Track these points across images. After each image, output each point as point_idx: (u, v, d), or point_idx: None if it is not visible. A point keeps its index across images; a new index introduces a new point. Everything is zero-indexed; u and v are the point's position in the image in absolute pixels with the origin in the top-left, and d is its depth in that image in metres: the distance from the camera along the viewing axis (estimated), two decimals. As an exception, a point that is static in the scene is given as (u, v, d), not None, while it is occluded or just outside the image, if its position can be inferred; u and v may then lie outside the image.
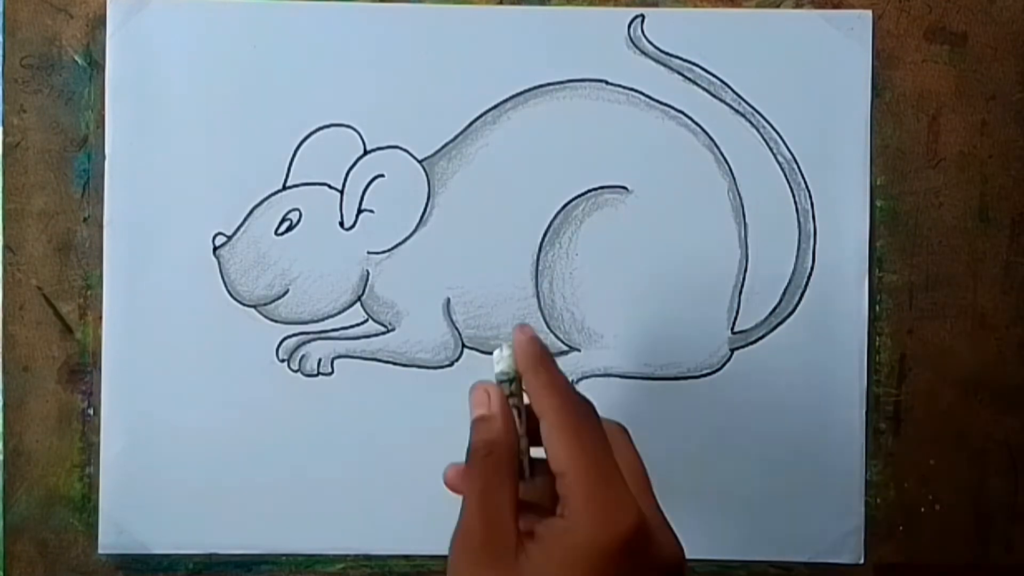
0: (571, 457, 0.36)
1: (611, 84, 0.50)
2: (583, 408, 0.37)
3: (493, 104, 0.50)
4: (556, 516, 0.36)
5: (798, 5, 0.50)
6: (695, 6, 0.50)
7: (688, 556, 0.50)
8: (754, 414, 0.49)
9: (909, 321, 0.50)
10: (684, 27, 0.50)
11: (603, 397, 0.49)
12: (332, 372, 0.49)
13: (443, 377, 0.49)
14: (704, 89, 0.50)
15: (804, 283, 0.50)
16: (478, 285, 0.49)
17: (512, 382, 0.37)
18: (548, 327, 0.49)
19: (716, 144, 0.50)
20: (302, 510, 0.49)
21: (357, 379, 0.49)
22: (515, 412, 0.37)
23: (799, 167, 0.50)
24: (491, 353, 0.49)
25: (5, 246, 0.49)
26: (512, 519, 0.36)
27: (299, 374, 0.49)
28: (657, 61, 0.50)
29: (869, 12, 0.50)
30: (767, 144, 0.50)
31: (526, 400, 0.38)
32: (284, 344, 0.49)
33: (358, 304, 0.50)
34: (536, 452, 0.38)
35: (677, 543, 0.38)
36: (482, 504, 0.36)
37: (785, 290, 0.50)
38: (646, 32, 0.50)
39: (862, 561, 0.49)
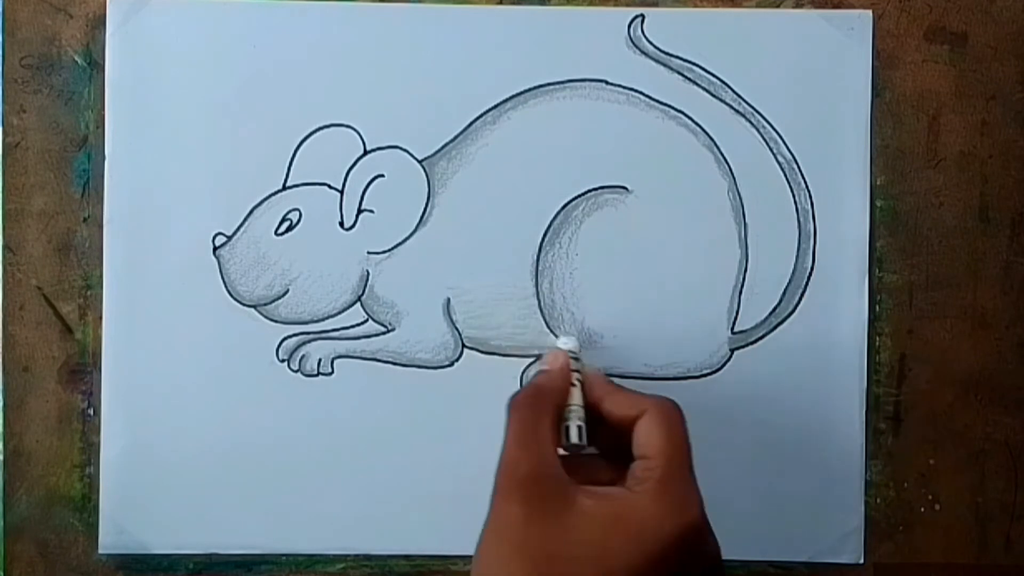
0: (662, 444, 0.39)
1: (611, 84, 0.50)
2: (674, 405, 0.40)
3: (493, 104, 0.50)
4: (625, 488, 0.38)
5: (798, 5, 0.50)
6: (695, 6, 0.50)
7: (688, 556, 0.50)
8: (754, 414, 0.49)
9: (909, 321, 0.50)
10: (684, 27, 0.50)
11: (603, 397, 0.49)
12: (332, 372, 0.49)
13: (443, 377, 0.49)
14: (704, 89, 0.50)
15: (804, 283, 0.50)
16: (478, 285, 0.49)
17: (578, 359, 0.43)
18: (548, 327, 0.49)
19: (716, 144, 0.50)
20: (302, 510, 0.49)
21: (357, 379, 0.49)
22: (578, 383, 0.42)
23: (799, 167, 0.50)
24: (491, 354, 0.49)
25: (5, 246, 0.49)
26: (557, 464, 0.38)
27: (299, 374, 0.49)
28: (657, 61, 0.50)
29: (869, 12, 0.50)
30: (767, 144, 0.50)
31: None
32: (284, 344, 0.49)
33: (358, 304, 0.50)
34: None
35: (718, 545, 0.39)
36: (525, 437, 0.39)
37: (785, 290, 0.50)
38: (646, 32, 0.50)
39: (862, 561, 0.50)
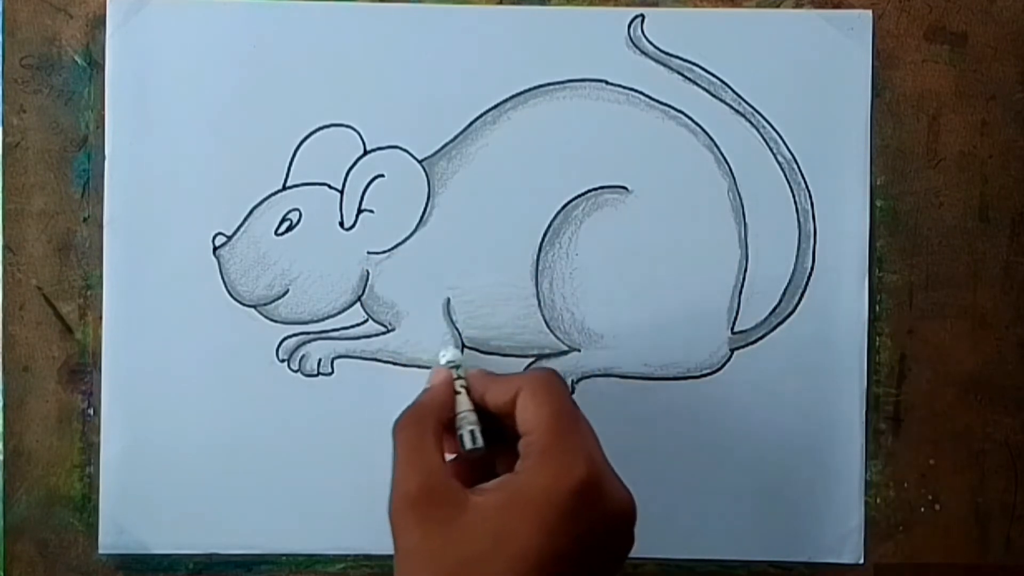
0: (537, 416, 0.39)
1: (611, 84, 0.50)
2: (548, 375, 0.41)
3: (493, 104, 0.50)
4: (514, 472, 0.39)
5: (798, 5, 0.50)
6: (695, 6, 0.50)
7: (688, 556, 0.50)
8: (754, 414, 0.49)
9: (909, 321, 0.50)
10: (684, 27, 0.50)
11: (603, 397, 0.49)
12: (332, 372, 0.49)
13: (443, 377, 0.49)
14: (704, 89, 0.50)
15: (804, 283, 0.50)
16: (478, 285, 0.49)
17: (459, 368, 0.44)
18: (548, 327, 0.49)
19: (716, 144, 0.50)
20: (302, 510, 0.49)
21: (357, 379, 0.49)
22: (463, 390, 0.43)
23: (799, 167, 0.50)
24: (491, 354, 0.50)
25: (5, 246, 0.49)
26: (446, 473, 0.39)
27: (299, 374, 0.49)
28: (657, 61, 0.50)
29: (869, 12, 0.50)
30: (767, 144, 0.50)
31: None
32: (284, 344, 0.49)
33: (358, 304, 0.50)
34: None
35: (627, 494, 0.40)
36: (410, 457, 0.39)
37: (785, 290, 0.50)
38: (646, 32, 0.50)
39: (862, 561, 0.50)
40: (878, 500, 0.50)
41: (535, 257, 0.49)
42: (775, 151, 0.50)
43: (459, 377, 0.44)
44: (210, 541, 0.49)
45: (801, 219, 0.50)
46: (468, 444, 0.41)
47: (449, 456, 0.41)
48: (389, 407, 0.49)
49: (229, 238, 0.49)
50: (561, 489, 0.37)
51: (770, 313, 0.50)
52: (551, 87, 0.50)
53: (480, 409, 0.42)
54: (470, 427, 0.42)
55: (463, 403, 0.42)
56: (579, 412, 0.41)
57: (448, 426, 0.42)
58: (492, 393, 0.42)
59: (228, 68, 0.49)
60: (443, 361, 0.46)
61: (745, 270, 0.50)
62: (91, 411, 0.49)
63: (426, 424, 0.41)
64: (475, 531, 0.37)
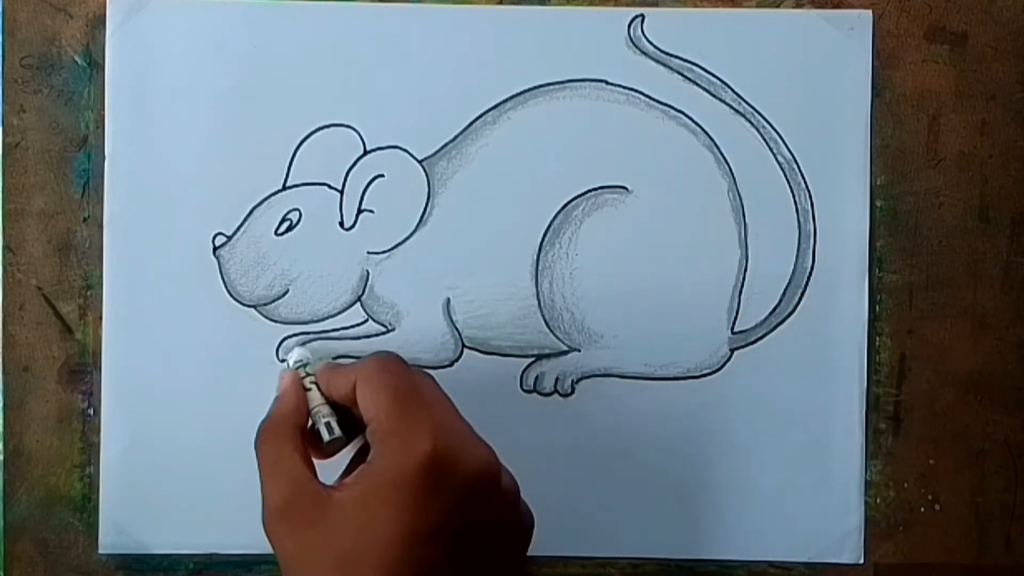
0: (375, 402, 0.39)
1: (611, 84, 0.50)
2: (381, 360, 0.41)
3: (493, 104, 0.50)
4: (364, 463, 0.39)
5: (798, 5, 0.50)
6: (695, 6, 0.50)
7: (688, 556, 0.50)
8: (754, 414, 0.49)
9: (909, 321, 0.50)
10: (684, 27, 0.50)
11: (603, 397, 0.49)
12: (332, 372, 0.49)
13: (443, 377, 0.49)
14: (704, 89, 0.50)
15: (804, 283, 0.50)
16: (478, 285, 0.49)
17: (306, 366, 0.44)
18: (548, 327, 0.49)
19: (716, 144, 0.50)
20: (302, 510, 0.49)
21: (357, 379, 0.49)
22: (312, 386, 0.43)
23: (799, 167, 0.50)
24: (491, 354, 0.49)
25: (5, 246, 0.49)
26: (308, 478, 0.39)
27: (299, 374, 0.49)
28: (657, 61, 0.50)
29: (869, 12, 0.50)
30: (767, 144, 0.50)
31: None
32: (284, 344, 0.49)
33: (358, 304, 0.49)
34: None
35: (485, 452, 0.39)
36: (273, 471, 0.40)
37: (785, 290, 0.50)
38: (646, 32, 0.50)
39: (862, 561, 0.50)
40: (878, 500, 0.50)
41: (535, 257, 0.49)
42: (775, 151, 0.50)
43: (307, 375, 0.44)
44: (210, 541, 0.49)
45: (801, 219, 0.50)
46: (326, 436, 0.42)
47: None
48: (389, 407, 0.49)
49: (229, 238, 0.49)
50: (407, 469, 0.37)
51: (770, 313, 0.50)
52: (551, 87, 0.50)
53: (336, 404, 0.42)
54: (324, 419, 0.42)
55: (315, 399, 0.43)
56: (422, 386, 0.41)
57: (310, 427, 0.42)
58: (335, 386, 0.42)
59: (228, 68, 0.49)
60: (291, 363, 0.45)
61: (745, 270, 0.50)
62: (91, 411, 0.49)
63: (281, 433, 0.41)
64: (341, 528, 0.37)
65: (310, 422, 0.43)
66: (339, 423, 0.42)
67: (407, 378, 0.41)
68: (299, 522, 0.38)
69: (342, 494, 0.38)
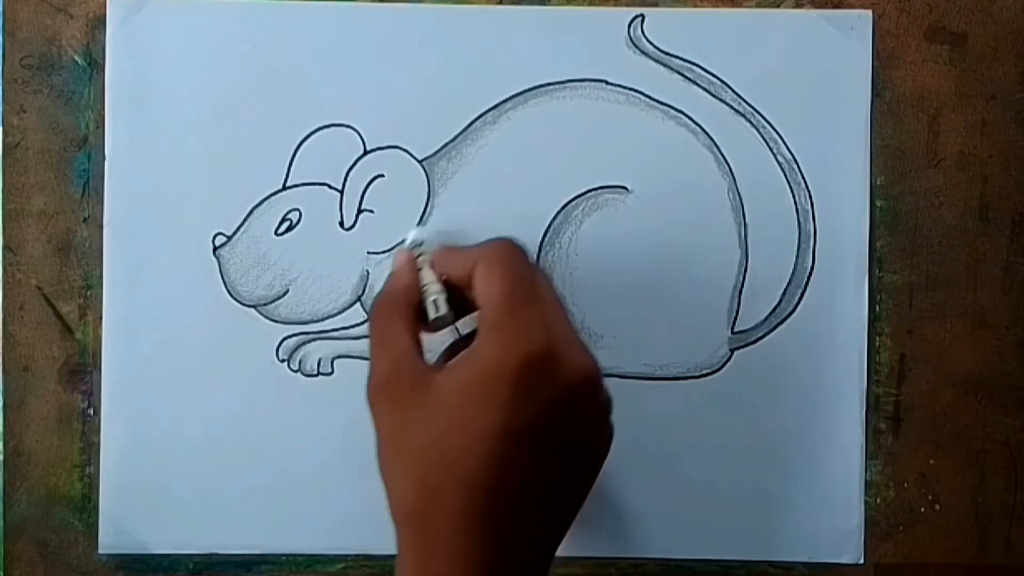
0: (490, 289, 0.39)
1: (611, 84, 0.50)
2: (504, 246, 0.40)
3: (493, 104, 0.50)
4: (468, 349, 0.38)
5: (798, 5, 0.50)
6: (695, 6, 0.50)
7: (688, 556, 0.50)
8: (754, 414, 0.49)
9: (909, 321, 0.50)
10: (684, 27, 0.50)
11: (603, 397, 0.49)
12: (332, 372, 0.49)
13: (443, 377, 0.49)
14: (704, 89, 0.50)
15: (804, 283, 0.50)
16: (478, 285, 0.49)
17: (421, 245, 0.45)
18: (548, 327, 0.49)
19: (716, 144, 0.50)
20: (302, 510, 0.49)
21: (357, 379, 0.49)
22: (425, 265, 0.43)
23: (799, 167, 0.50)
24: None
25: (5, 246, 0.49)
26: (413, 356, 0.39)
27: (299, 374, 0.49)
28: (657, 61, 0.50)
29: (869, 12, 0.50)
30: (767, 144, 0.50)
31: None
32: (284, 344, 0.49)
33: (358, 304, 0.50)
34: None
35: (588, 359, 0.39)
36: (380, 344, 0.40)
37: (785, 290, 0.50)
38: (646, 32, 0.50)
39: (862, 561, 0.50)
40: (878, 500, 0.50)
41: (535, 257, 0.49)
42: (775, 151, 0.50)
43: (421, 255, 0.43)
44: (210, 541, 0.49)
45: (801, 219, 0.50)
46: (432, 313, 0.41)
47: (439, 335, 0.42)
48: (389, 407, 0.49)
49: (229, 238, 0.49)
50: (510, 363, 0.37)
51: (770, 313, 0.50)
52: (551, 87, 0.50)
53: (450, 285, 0.42)
54: (433, 297, 0.42)
55: (426, 277, 0.42)
56: (537, 280, 0.40)
57: (415, 307, 0.42)
58: (453, 267, 0.41)
59: (228, 68, 0.49)
60: (408, 243, 0.47)
61: (745, 270, 0.50)
62: (91, 411, 0.49)
63: (392, 309, 0.41)
64: (437, 411, 0.37)
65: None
66: (448, 302, 0.42)
67: (528, 270, 0.40)
68: (398, 399, 0.38)
69: (443, 377, 0.38)
